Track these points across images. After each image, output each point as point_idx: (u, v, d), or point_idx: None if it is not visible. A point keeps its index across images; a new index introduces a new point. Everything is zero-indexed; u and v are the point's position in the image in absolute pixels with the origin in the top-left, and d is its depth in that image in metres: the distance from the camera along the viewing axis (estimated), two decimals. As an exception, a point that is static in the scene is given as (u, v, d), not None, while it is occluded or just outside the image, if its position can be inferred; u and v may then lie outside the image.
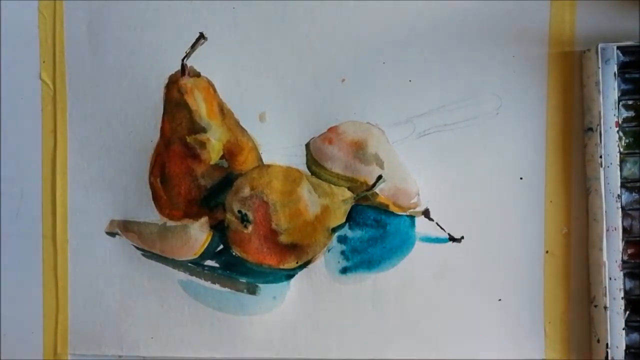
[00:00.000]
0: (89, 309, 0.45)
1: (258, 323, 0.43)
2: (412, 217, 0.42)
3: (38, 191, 0.45)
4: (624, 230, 0.40)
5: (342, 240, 0.43)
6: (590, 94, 0.41)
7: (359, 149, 0.42)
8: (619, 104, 0.40)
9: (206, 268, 0.44)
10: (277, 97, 0.43)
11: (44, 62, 0.44)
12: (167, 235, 0.43)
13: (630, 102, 0.40)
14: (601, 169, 0.40)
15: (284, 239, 0.42)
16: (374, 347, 0.43)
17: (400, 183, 0.42)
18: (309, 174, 0.43)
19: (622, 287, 0.40)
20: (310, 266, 0.43)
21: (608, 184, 0.40)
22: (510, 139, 0.42)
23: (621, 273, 0.40)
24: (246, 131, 0.43)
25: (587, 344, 0.42)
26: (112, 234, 0.44)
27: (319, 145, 0.43)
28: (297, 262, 0.43)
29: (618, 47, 0.40)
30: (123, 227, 0.44)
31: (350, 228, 0.43)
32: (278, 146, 0.43)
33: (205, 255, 0.43)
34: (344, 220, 0.42)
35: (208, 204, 0.43)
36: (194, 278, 0.44)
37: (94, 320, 0.45)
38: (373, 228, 0.43)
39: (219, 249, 0.43)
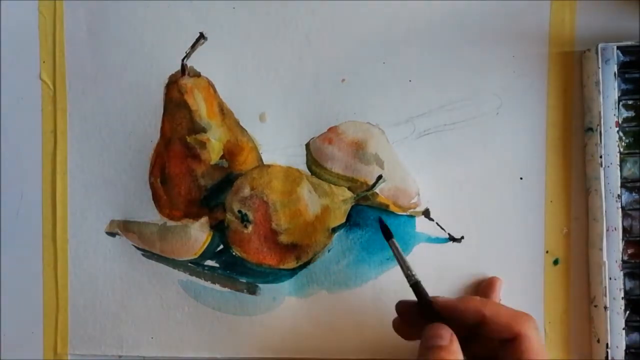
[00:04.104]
0: (89, 309, 0.45)
1: (258, 323, 0.43)
2: (412, 217, 0.42)
3: (38, 191, 0.45)
4: (624, 230, 0.40)
5: (342, 240, 0.43)
6: (590, 94, 0.41)
7: (359, 149, 0.42)
8: (619, 104, 0.40)
9: (206, 268, 0.44)
10: (277, 97, 0.43)
11: (44, 62, 0.44)
12: (167, 235, 0.43)
13: (630, 102, 0.40)
14: (601, 169, 0.40)
15: (284, 239, 0.42)
16: (374, 347, 0.43)
17: (400, 183, 0.42)
18: (309, 174, 0.43)
19: (622, 287, 0.40)
20: (310, 266, 0.43)
21: (608, 184, 0.40)
22: (510, 139, 0.42)
23: (621, 273, 0.40)
24: (246, 131, 0.43)
25: (587, 344, 0.42)
26: (112, 234, 0.44)
27: (319, 145, 0.43)
28: (297, 262, 0.43)
29: (618, 47, 0.40)
30: (123, 227, 0.44)
31: (350, 228, 0.43)
32: (278, 146, 0.43)
33: (205, 255, 0.43)
34: (344, 220, 0.42)
35: (208, 204, 0.43)
36: (194, 278, 0.44)
37: (94, 320, 0.45)
38: (373, 228, 0.43)
39: (219, 249, 0.43)
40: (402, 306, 0.38)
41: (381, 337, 0.43)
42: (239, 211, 0.42)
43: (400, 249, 0.38)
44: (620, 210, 0.40)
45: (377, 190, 0.42)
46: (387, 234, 0.39)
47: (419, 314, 0.37)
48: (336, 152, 0.42)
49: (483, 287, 0.41)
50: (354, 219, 0.42)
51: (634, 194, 0.41)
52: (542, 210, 0.42)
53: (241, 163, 0.43)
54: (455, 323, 0.35)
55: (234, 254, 0.43)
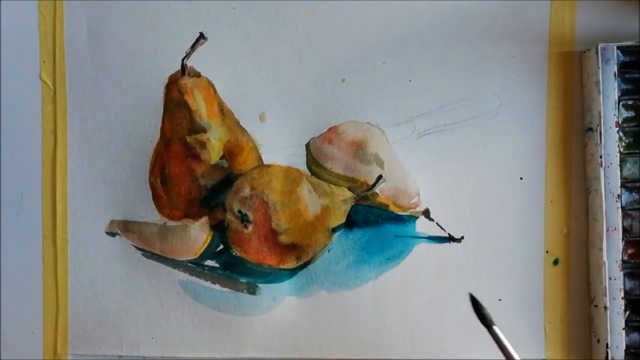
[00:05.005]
0: (89, 309, 0.45)
1: (258, 323, 0.43)
2: (412, 217, 0.42)
3: (38, 191, 0.45)
4: (624, 230, 0.40)
5: (342, 240, 0.43)
6: (590, 94, 0.41)
7: (359, 149, 0.42)
8: (619, 104, 0.40)
9: (206, 268, 0.44)
10: (277, 97, 0.43)
11: (44, 62, 0.44)
12: (167, 235, 0.43)
13: (630, 102, 0.40)
14: (601, 169, 0.40)
15: (284, 239, 0.42)
16: (374, 347, 0.43)
17: (400, 183, 0.42)
18: (309, 174, 0.43)
19: (622, 287, 0.40)
20: (310, 266, 0.43)
21: (608, 184, 0.40)
22: (510, 139, 0.42)
23: (621, 273, 0.40)
24: (246, 131, 0.43)
25: (587, 344, 0.42)
26: (112, 234, 0.44)
27: (319, 145, 0.43)
28: (297, 262, 0.43)
29: (618, 47, 0.40)
30: (123, 227, 0.44)
31: (350, 228, 0.43)
32: (278, 146, 0.43)
33: (205, 255, 0.43)
34: (344, 220, 0.42)
35: (208, 204, 0.43)
36: (194, 278, 0.44)
37: (94, 320, 0.45)
38: (373, 228, 0.42)
39: (219, 249, 0.43)
40: None
41: (381, 337, 0.43)
42: (239, 211, 0.42)
43: (502, 337, 0.36)
44: (620, 210, 0.40)
45: (377, 190, 0.42)
46: (487, 323, 0.36)
47: None
48: (336, 152, 0.42)
49: None
50: (354, 219, 0.42)
51: (634, 194, 0.41)
52: (542, 210, 0.42)
53: (241, 163, 0.43)
54: None
55: (234, 254, 0.43)
